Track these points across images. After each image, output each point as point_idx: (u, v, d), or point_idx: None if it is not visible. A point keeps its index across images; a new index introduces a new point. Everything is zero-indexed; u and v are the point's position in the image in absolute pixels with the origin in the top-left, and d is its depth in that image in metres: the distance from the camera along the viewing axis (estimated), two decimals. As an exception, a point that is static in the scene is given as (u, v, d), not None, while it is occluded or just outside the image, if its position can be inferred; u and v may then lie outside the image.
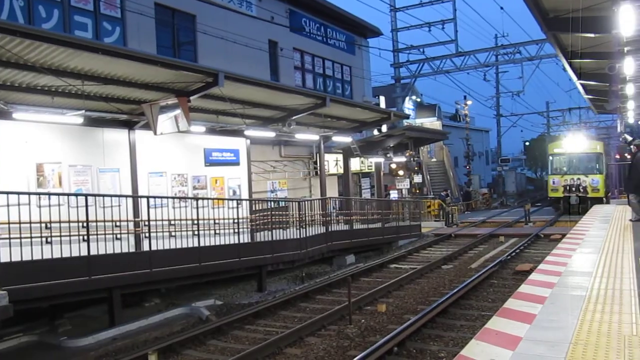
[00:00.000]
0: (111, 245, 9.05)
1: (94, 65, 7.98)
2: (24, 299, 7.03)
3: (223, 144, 12.72)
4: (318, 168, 17.78)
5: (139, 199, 9.96)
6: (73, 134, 9.56)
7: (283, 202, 14.42)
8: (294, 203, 13.33)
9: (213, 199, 11.84)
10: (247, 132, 12.96)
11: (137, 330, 8.45)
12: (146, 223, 9.57)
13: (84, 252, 8.20)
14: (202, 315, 9.18)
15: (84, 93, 8.71)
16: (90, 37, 12.16)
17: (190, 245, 10.09)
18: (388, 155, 21.63)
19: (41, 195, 8.35)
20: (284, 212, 13.15)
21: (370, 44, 26.16)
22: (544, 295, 5.35)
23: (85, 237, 8.40)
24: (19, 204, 7.50)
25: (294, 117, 13.08)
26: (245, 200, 12.84)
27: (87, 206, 8.37)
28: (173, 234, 10.21)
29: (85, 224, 8.39)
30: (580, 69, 14.00)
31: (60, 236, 8.01)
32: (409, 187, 23.06)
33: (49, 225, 8.10)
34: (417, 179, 24.62)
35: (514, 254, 13.69)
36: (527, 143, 60.18)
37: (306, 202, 13.59)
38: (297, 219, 12.77)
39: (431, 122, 38.75)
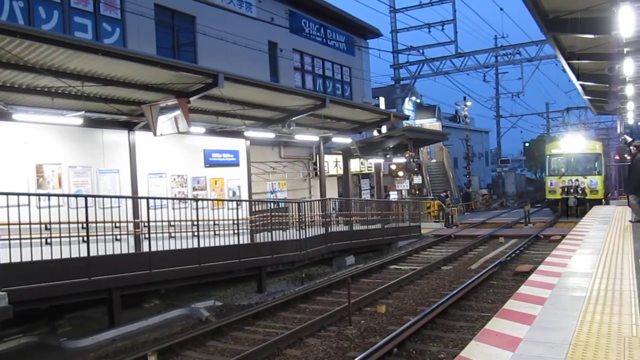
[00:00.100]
0: (111, 246, 9.05)
1: (93, 66, 7.99)
2: (23, 300, 7.02)
3: (223, 145, 12.73)
4: (318, 169, 17.79)
5: (139, 200, 9.96)
6: (73, 135, 9.56)
7: (283, 203, 14.41)
8: (293, 204, 13.32)
9: (213, 200, 11.84)
10: (246, 133, 12.96)
11: (137, 331, 8.45)
12: (146, 224, 9.57)
13: (84, 253, 8.20)
14: (201, 316, 9.18)
15: (84, 94, 8.72)
16: (90, 38, 12.16)
17: (190, 246, 10.09)
18: (388, 156, 21.64)
19: (41, 196, 8.34)
20: (283, 213, 13.15)
21: (370, 45, 26.22)
22: (543, 296, 5.35)
23: (85, 238, 8.39)
24: (18, 205, 7.49)
25: (293, 118, 13.09)
26: (245, 201, 12.84)
27: (86, 207, 8.37)
28: (173, 235, 10.21)
29: (85, 225, 8.39)
30: (579, 69, 14.01)
31: (60, 237, 8.01)
32: (408, 188, 23.05)
33: (48, 226, 8.10)
34: (417, 180, 24.63)
35: (513, 255, 13.68)
36: (526, 144, 60.19)
37: (306, 203, 13.58)
38: (297, 220, 12.77)
39: (431, 123, 38.79)
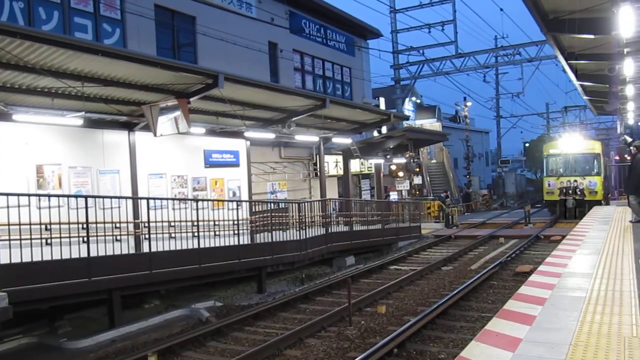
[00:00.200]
0: (111, 247, 9.06)
1: (93, 66, 7.99)
2: (23, 300, 7.02)
3: (223, 145, 12.73)
4: (318, 169, 17.79)
5: (139, 200, 9.97)
6: (73, 136, 9.57)
7: (283, 204, 14.42)
8: (293, 204, 13.32)
9: (213, 200, 11.84)
10: (247, 134, 12.97)
11: (137, 332, 8.45)
12: (146, 224, 9.57)
13: (84, 254, 8.20)
14: (201, 316, 9.18)
15: (84, 95, 8.72)
16: (90, 39, 12.17)
17: (190, 246, 10.09)
18: (388, 156, 21.65)
19: (41, 197, 8.34)
20: (283, 214, 13.15)
21: (370, 46, 26.25)
22: (544, 297, 5.35)
23: (85, 239, 8.39)
24: (18, 206, 7.50)
25: (293, 119, 13.10)
26: (245, 201, 12.84)
27: (87, 208, 8.37)
28: (173, 235, 10.22)
29: (85, 226, 8.39)
30: (579, 70, 14.01)
31: (60, 238, 8.00)
32: (408, 188, 23.05)
33: (48, 226, 8.10)
34: (417, 180, 24.62)
35: (514, 255, 13.68)
36: (527, 144, 60.17)
37: (306, 204, 13.58)
38: (297, 220, 12.77)
39: (431, 124, 38.82)
